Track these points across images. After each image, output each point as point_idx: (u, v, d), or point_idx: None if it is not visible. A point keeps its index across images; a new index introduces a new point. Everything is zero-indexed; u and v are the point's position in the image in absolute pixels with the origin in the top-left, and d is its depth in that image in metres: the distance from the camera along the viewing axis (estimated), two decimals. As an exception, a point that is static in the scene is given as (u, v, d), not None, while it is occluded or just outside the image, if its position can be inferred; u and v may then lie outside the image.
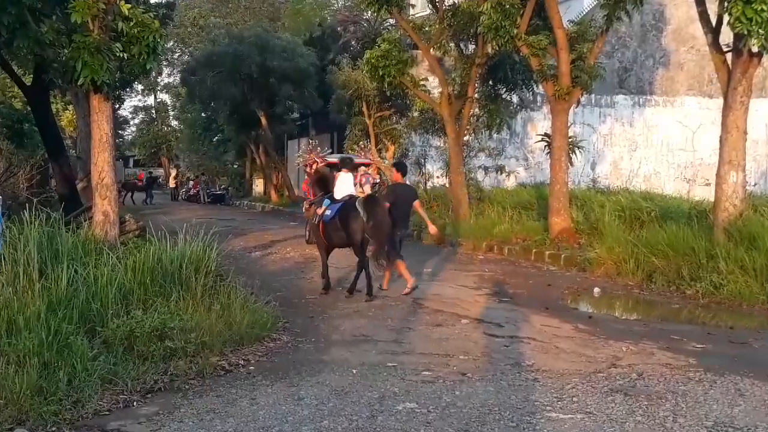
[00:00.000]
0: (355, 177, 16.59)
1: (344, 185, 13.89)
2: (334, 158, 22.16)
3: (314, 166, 21.15)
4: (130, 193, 45.79)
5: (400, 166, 14.71)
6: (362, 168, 21.76)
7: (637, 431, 6.51)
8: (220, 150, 50.75)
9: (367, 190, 19.49)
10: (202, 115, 48.42)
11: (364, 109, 24.85)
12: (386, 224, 12.65)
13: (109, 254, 10.32)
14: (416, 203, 13.81)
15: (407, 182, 15.83)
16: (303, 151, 22.27)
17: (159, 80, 64.62)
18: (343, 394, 7.54)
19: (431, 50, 22.13)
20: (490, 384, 7.95)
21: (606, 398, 7.44)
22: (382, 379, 8.08)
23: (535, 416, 6.89)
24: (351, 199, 13.24)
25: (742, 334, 10.60)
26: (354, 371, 8.41)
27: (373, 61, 21.34)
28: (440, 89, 22.26)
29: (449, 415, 6.92)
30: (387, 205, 12.92)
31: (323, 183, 14.22)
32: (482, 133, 24.07)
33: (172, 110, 69.81)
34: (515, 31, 18.24)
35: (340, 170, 14.59)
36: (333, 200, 13.44)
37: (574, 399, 7.41)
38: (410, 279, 13.38)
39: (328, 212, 13.24)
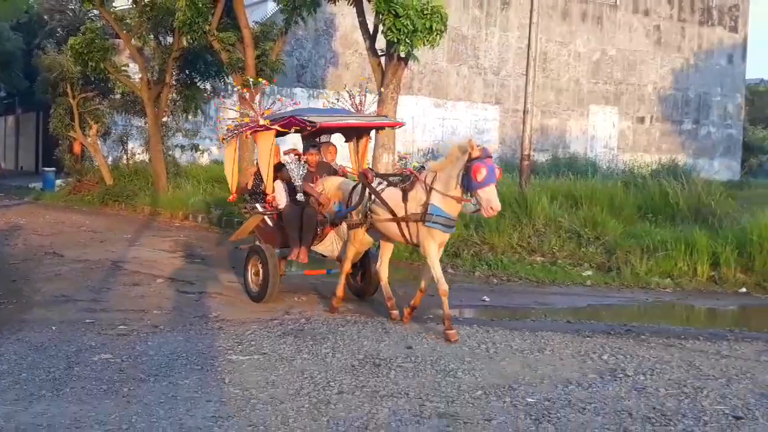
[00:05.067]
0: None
1: None
2: (317, 117, 9.23)
3: (261, 135, 9.43)
4: None
5: None
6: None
7: (304, 366, 6.67)
8: None
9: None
10: None
11: (69, 90, 23.24)
12: None
13: None
14: None
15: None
16: (234, 106, 12.85)
17: None
18: (42, 349, 7.09)
19: (132, 40, 21.18)
20: (180, 334, 7.82)
21: (279, 340, 7.56)
22: (80, 335, 7.69)
23: (218, 359, 6.87)
24: None
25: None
26: (53, 328, 7.94)
27: (77, 47, 20.29)
28: (141, 75, 21.43)
29: (141, 363, 6.73)
30: None
31: None
32: (179, 116, 23.39)
33: None
34: (207, 27, 17.97)
35: None
36: None
37: (252, 343, 7.45)
38: None
39: None
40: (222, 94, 25.14)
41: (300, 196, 9.20)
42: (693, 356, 7.32)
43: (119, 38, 21.59)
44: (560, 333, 8.18)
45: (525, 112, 16.38)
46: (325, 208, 9.15)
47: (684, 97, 35.41)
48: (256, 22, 20.49)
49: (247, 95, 9.55)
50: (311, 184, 9.20)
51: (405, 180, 8.39)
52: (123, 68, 21.86)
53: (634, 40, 34.01)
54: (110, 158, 25.00)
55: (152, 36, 21.68)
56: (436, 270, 7.95)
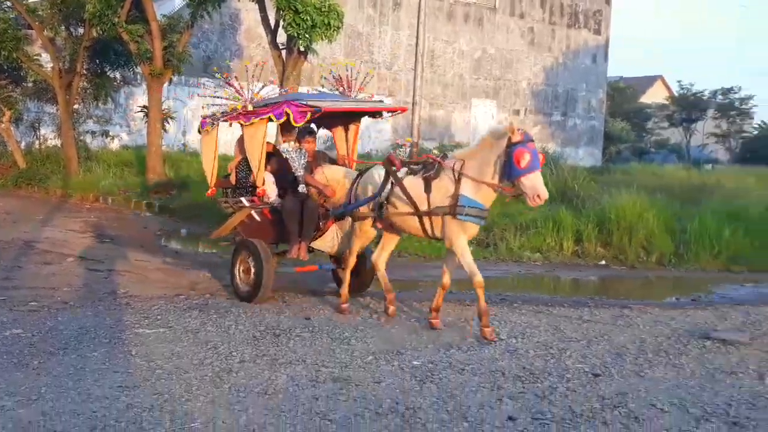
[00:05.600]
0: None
1: None
2: (317, 102, 7.77)
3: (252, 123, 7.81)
4: None
5: None
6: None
7: (208, 338, 6.54)
8: None
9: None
10: None
11: (-19, 78, 22.07)
12: None
13: None
14: None
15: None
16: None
17: None
18: (-47, 327, 6.72)
19: (44, 31, 20.16)
20: (89, 309, 7.54)
21: (184, 314, 7.39)
22: (-9, 311, 7.32)
23: (126, 333, 6.65)
24: None
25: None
26: (-35, 306, 7.53)
27: (-12, 37, 19.14)
28: (52, 64, 20.44)
29: (51, 337, 6.45)
30: None
31: None
32: (90, 103, 22.49)
33: None
34: (116, 19, 17.29)
35: None
36: None
37: (159, 317, 7.26)
38: None
39: None
40: (132, 82, 24.35)
41: (302, 187, 7.93)
42: (558, 321, 7.55)
43: (32, 29, 20.54)
44: (444, 302, 8.28)
45: (414, 104, 16.53)
46: (330, 201, 7.85)
47: (554, 92, 36.39)
48: (164, 16, 19.90)
49: (232, 80, 8.01)
50: (310, 175, 7.93)
51: (428, 168, 6.98)
52: (35, 57, 20.82)
53: (511, 40, 34.68)
54: (23, 143, 23.77)
55: (63, 27, 20.71)
56: (469, 263, 6.70)
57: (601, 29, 37.84)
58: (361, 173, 7.71)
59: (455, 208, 6.61)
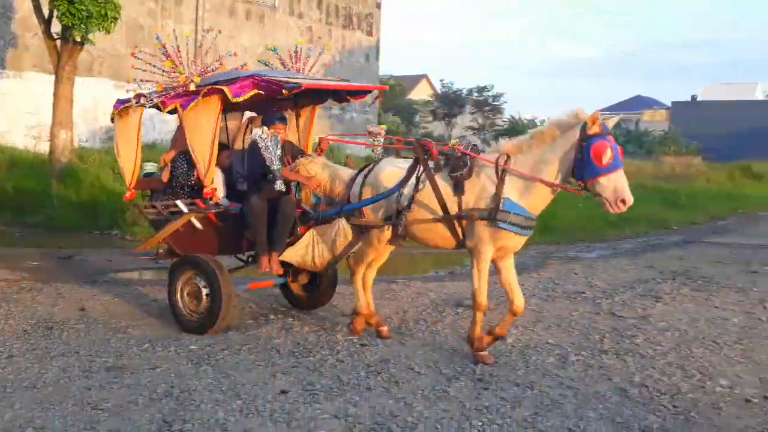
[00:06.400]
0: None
1: None
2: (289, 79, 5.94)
3: (198, 106, 5.98)
4: None
5: None
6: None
7: (-28, 336, 5.89)
8: None
9: None
10: None
11: None
12: None
13: None
14: None
15: None
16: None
17: None
18: None
19: None
20: None
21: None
22: None
23: None
24: None
25: (69, 252, 10.28)
26: None
27: None
28: None
29: None
30: None
31: None
32: None
33: None
34: None
35: None
36: None
37: None
38: None
39: None
40: None
41: (279, 184, 5.93)
42: (334, 298, 7.61)
43: None
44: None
45: (196, 95, 15.92)
46: (308, 200, 6.28)
47: (332, 87, 36.94)
48: (-75, 1, 17.61)
49: (171, 49, 6.21)
50: (287, 167, 6.10)
51: (456, 165, 5.35)
52: None
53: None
54: None
55: None
56: (481, 280, 5.32)
57: (373, 31, 38.88)
58: (367, 167, 6.03)
59: (496, 213, 5.16)
